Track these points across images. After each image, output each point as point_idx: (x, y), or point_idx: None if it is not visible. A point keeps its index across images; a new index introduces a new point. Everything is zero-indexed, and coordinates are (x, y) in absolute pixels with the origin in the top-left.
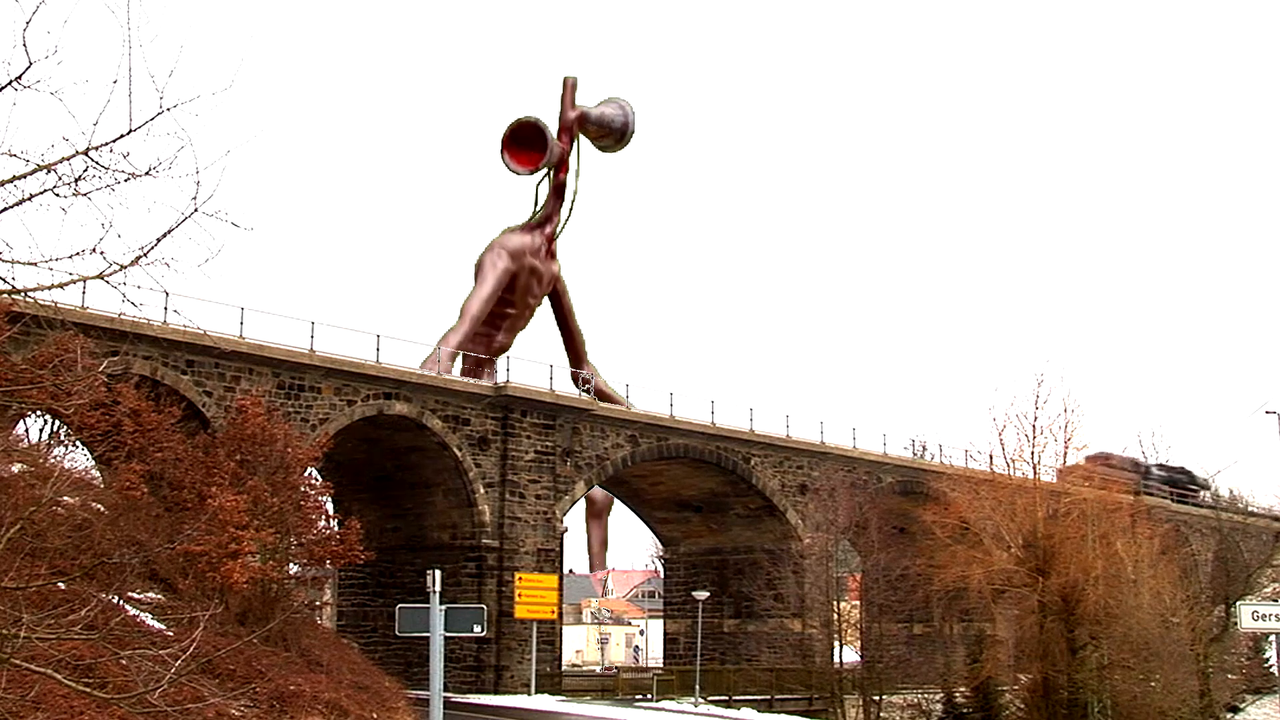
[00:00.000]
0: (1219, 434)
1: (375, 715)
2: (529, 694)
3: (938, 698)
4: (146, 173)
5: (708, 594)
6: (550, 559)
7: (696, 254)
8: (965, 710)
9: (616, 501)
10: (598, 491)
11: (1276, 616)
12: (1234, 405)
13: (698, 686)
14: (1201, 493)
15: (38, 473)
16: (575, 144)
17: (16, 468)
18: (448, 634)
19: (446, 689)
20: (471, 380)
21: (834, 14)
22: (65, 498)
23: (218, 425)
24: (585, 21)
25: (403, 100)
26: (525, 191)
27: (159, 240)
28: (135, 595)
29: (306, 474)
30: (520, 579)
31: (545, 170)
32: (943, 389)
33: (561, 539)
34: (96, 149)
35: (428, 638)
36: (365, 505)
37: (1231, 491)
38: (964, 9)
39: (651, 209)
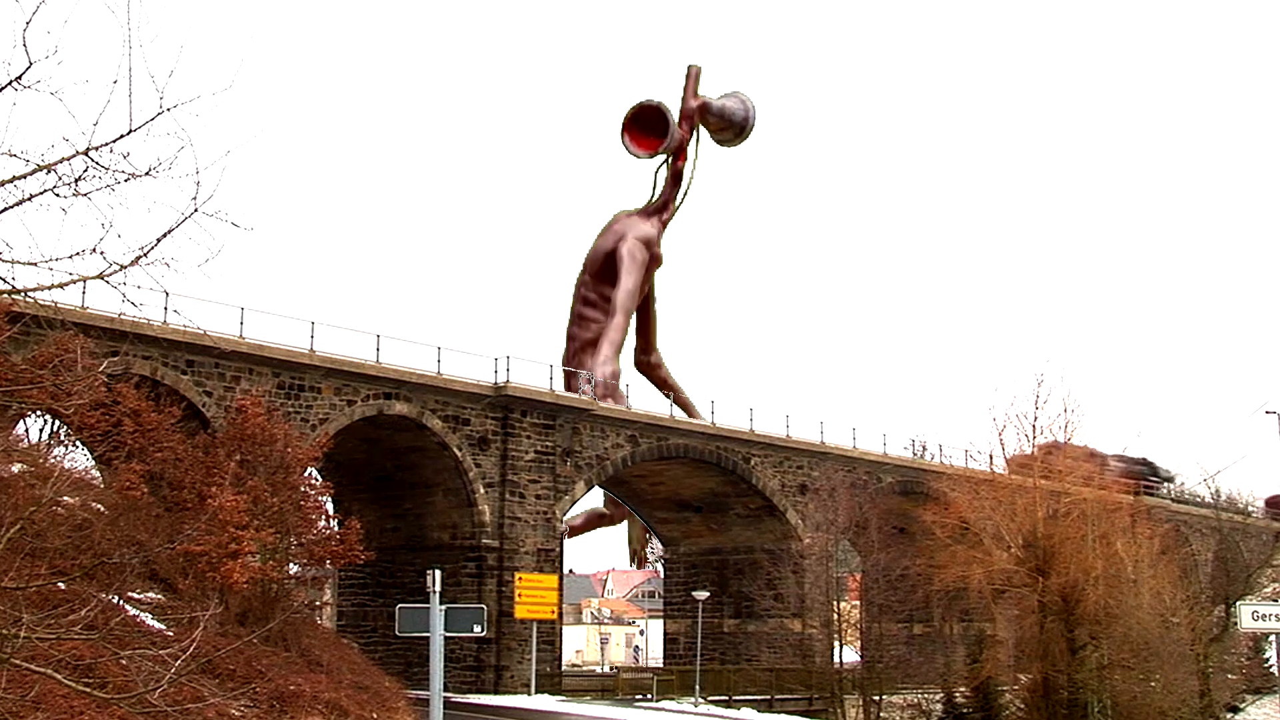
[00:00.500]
0: (1219, 434)
1: (375, 715)
2: (529, 694)
3: (938, 698)
4: (146, 173)
5: (708, 594)
6: (550, 559)
7: (694, 254)
8: (965, 710)
9: (618, 501)
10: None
11: (1276, 616)
12: (1234, 405)
13: (698, 686)
14: (1164, 486)
15: (38, 473)
16: (695, 133)
17: (16, 468)
18: (448, 634)
19: (446, 689)
20: (471, 379)
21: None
22: (65, 498)
23: (218, 425)
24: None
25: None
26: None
27: (159, 240)
28: (135, 595)
29: (306, 474)
30: (520, 579)
31: (664, 155)
32: (943, 389)
33: (561, 539)
34: (96, 149)
35: (428, 638)
36: (365, 505)
37: (1202, 486)
38: (965, 8)
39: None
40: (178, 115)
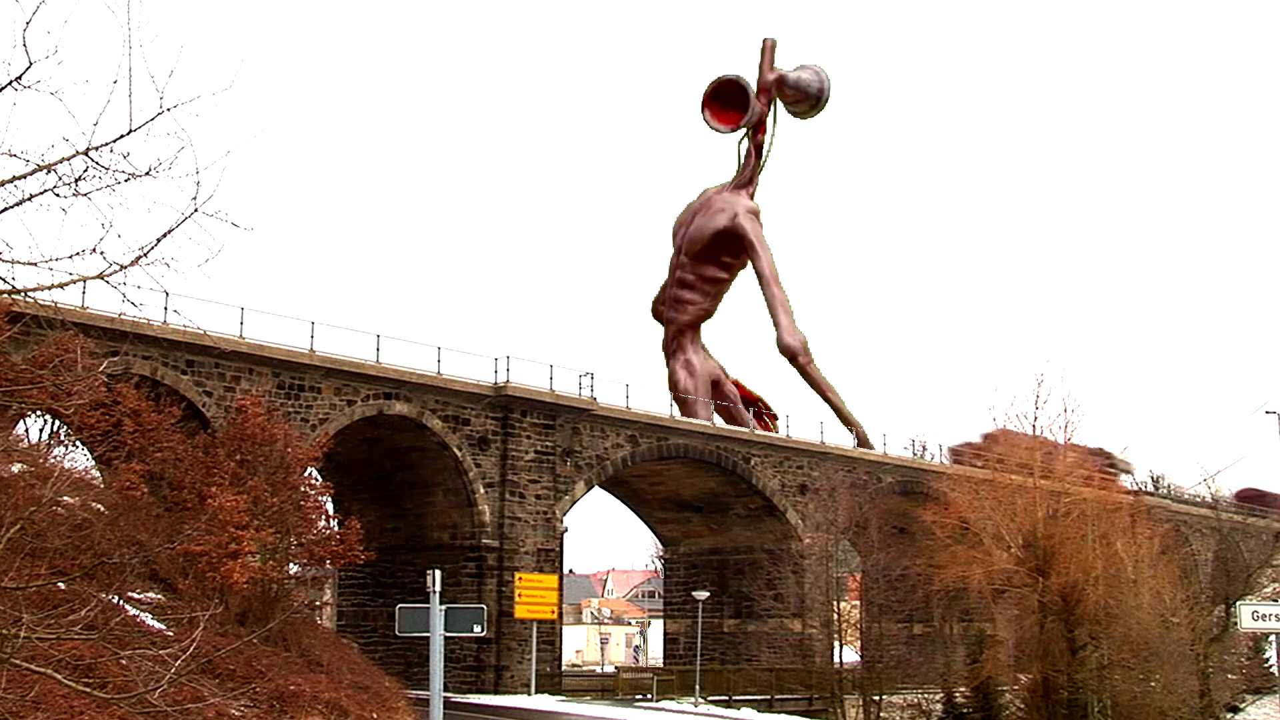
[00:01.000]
0: (1219, 434)
1: (375, 715)
2: (529, 694)
3: (938, 698)
4: (146, 173)
5: (708, 594)
6: (550, 559)
7: None
8: (965, 710)
9: (618, 501)
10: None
11: (1276, 616)
12: (1234, 405)
13: (698, 686)
14: (1121, 478)
15: (38, 473)
16: (772, 106)
17: (16, 468)
18: (448, 634)
19: (446, 689)
20: (471, 379)
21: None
22: (65, 498)
23: (218, 425)
24: None
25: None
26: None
27: (159, 240)
28: (135, 595)
29: (306, 474)
30: (520, 579)
31: (745, 129)
32: (943, 389)
33: (561, 539)
34: (96, 149)
35: (428, 638)
36: (365, 505)
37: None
38: (972, 9)
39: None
40: (178, 115)
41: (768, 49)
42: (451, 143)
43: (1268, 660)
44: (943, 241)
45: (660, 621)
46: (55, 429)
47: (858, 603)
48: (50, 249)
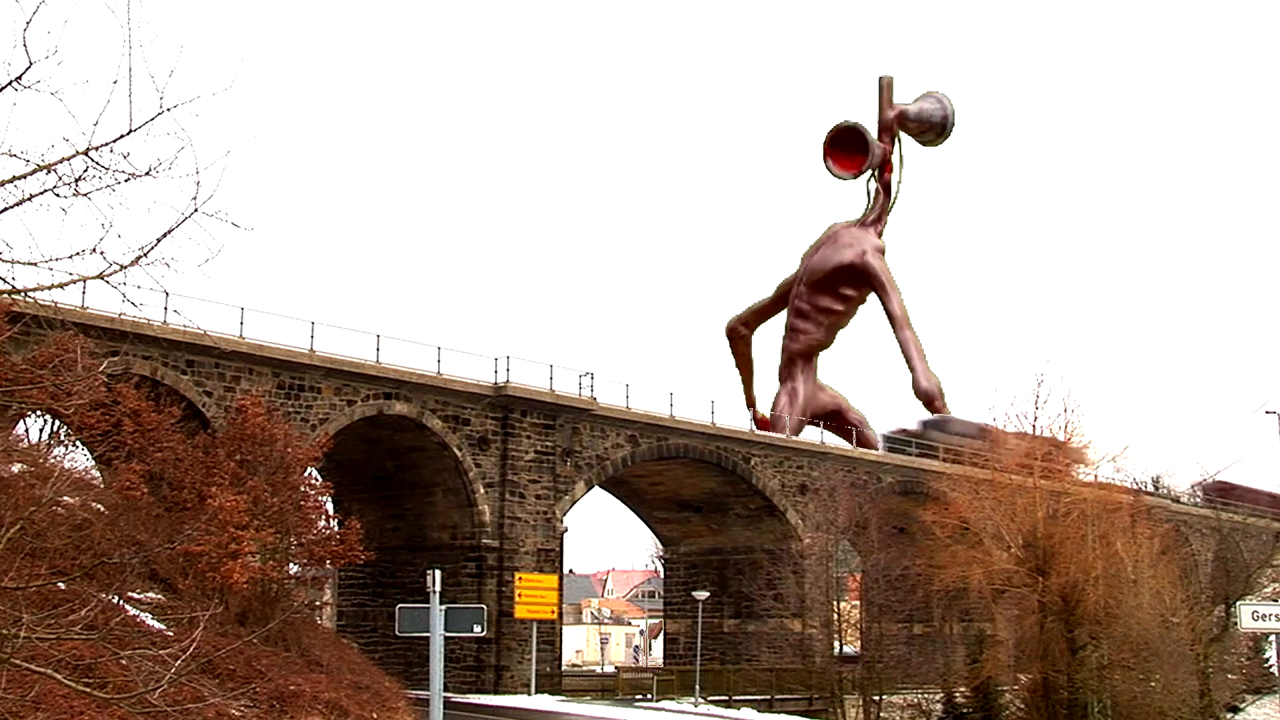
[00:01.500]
0: (1219, 434)
1: (375, 715)
2: (529, 694)
3: (938, 698)
4: (146, 173)
5: (708, 594)
6: (550, 559)
7: (689, 254)
8: (965, 710)
9: (618, 501)
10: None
11: (1276, 616)
12: (1234, 405)
13: (698, 686)
14: (1074, 468)
15: (38, 473)
16: (896, 142)
17: (16, 468)
18: (448, 634)
19: (446, 689)
20: (471, 379)
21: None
22: (65, 498)
23: (218, 425)
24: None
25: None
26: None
27: (159, 240)
28: (135, 595)
29: (306, 474)
30: (520, 579)
31: (869, 171)
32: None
33: (561, 539)
34: (96, 149)
35: (428, 638)
36: (365, 505)
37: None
38: (970, 7)
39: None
40: (178, 115)
41: (885, 86)
42: (452, 143)
43: (1268, 660)
44: (944, 242)
45: (660, 621)
46: (55, 429)
47: (858, 603)
48: (50, 249)
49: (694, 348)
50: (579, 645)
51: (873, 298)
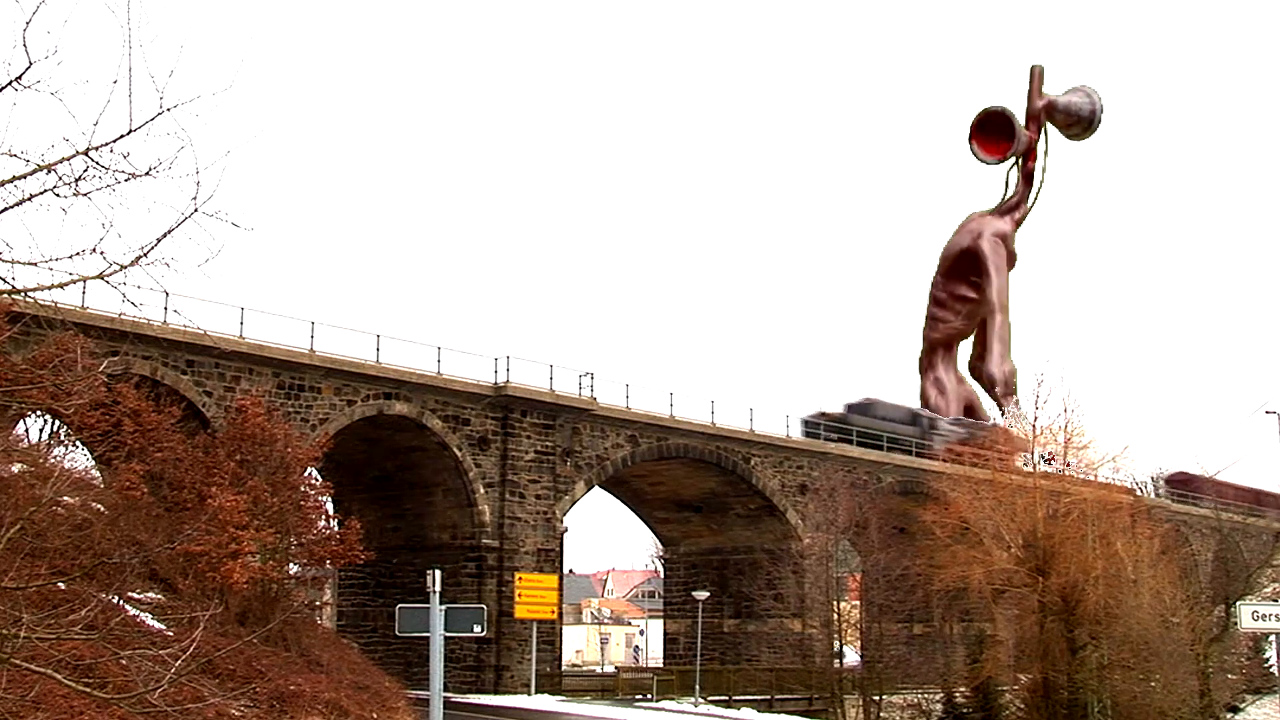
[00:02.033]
0: (1219, 434)
1: (375, 715)
2: (529, 694)
3: (938, 698)
4: (146, 173)
5: (708, 594)
6: (550, 559)
7: (690, 254)
8: (965, 710)
9: (618, 501)
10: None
11: (1276, 616)
12: (1234, 405)
13: (698, 686)
14: (1020, 455)
15: (38, 473)
16: (1043, 132)
17: (16, 468)
18: (448, 634)
19: (446, 689)
20: (471, 379)
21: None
22: (65, 498)
23: (218, 425)
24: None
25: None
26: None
27: (159, 240)
28: (135, 595)
29: (306, 474)
30: (520, 579)
31: (1013, 158)
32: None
33: (561, 539)
34: (96, 149)
35: (428, 638)
36: (365, 505)
37: None
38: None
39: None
40: (178, 115)
41: (1036, 76)
42: (451, 143)
43: (1268, 660)
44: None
45: (660, 621)
46: (55, 429)
47: (858, 603)
48: (50, 249)
49: (694, 348)
50: (579, 645)
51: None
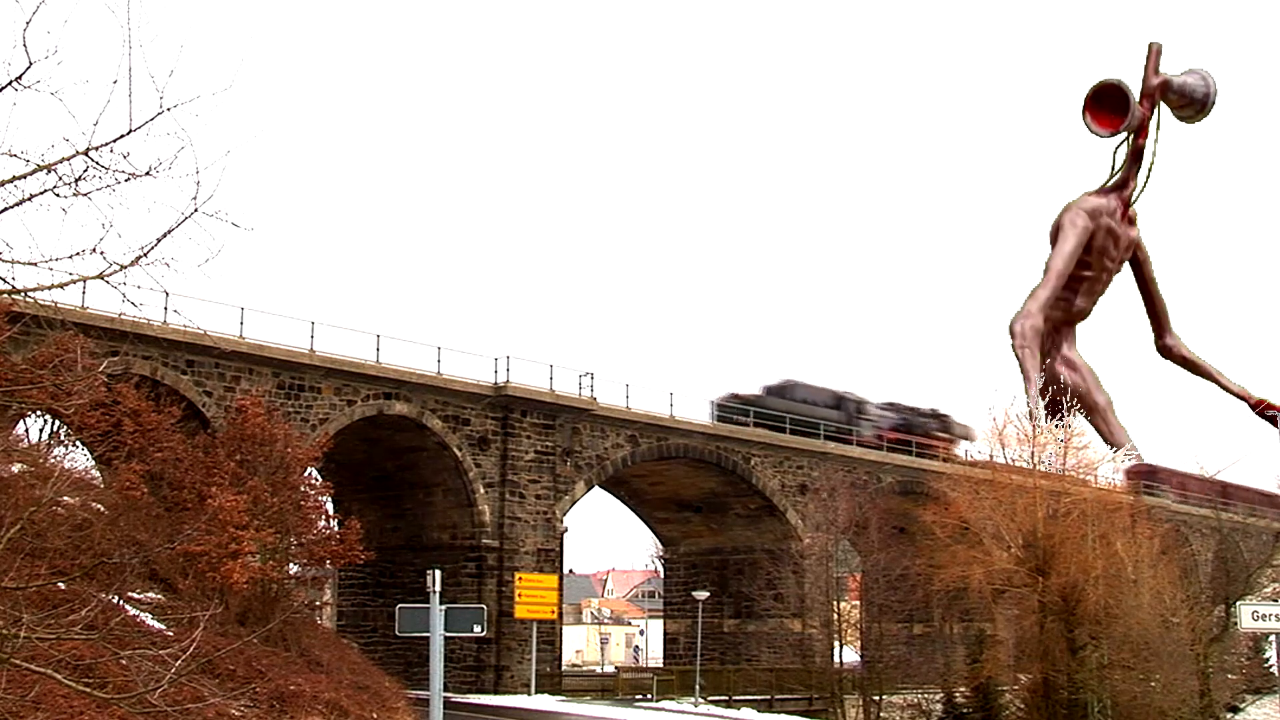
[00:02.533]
0: (1219, 434)
1: (375, 715)
2: (529, 694)
3: (938, 698)
4: (146, 173)
5: (708, 594)
6: (550, 559)
7: (689, 254)
8: (965, 710)
9: (618, 501)
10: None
11: (1276, 616)
12: (1233, 405)
13: (698, 686)
14: (960, 443)
15: (38, 473)
16: (1156, 111)
17: (16, 468)
18: (448, 634)
19: (446, 689)
20: (471, 379)
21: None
22: (65, 498)
23: (218, 425)
24: None
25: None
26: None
27: (159, 240)
28: (135, 595)
29: (306, 474)
30: (520, 579)
31: (1125, 134)
32: (943, 388)
33: (561, 539)
34: (96, 149)
35: (428, 638)
36: (365, 505)
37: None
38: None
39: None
40: (178, 115)
41: (1154, 53)
42: (451, 143)
43: (1268, 660)
44: (944, 242)
45: (660, 621)
46: (55, 429)
47: (858, 603)
48: (50, 249)
49: (694, 348)
50: (579, 645)
51: (1155, 260)
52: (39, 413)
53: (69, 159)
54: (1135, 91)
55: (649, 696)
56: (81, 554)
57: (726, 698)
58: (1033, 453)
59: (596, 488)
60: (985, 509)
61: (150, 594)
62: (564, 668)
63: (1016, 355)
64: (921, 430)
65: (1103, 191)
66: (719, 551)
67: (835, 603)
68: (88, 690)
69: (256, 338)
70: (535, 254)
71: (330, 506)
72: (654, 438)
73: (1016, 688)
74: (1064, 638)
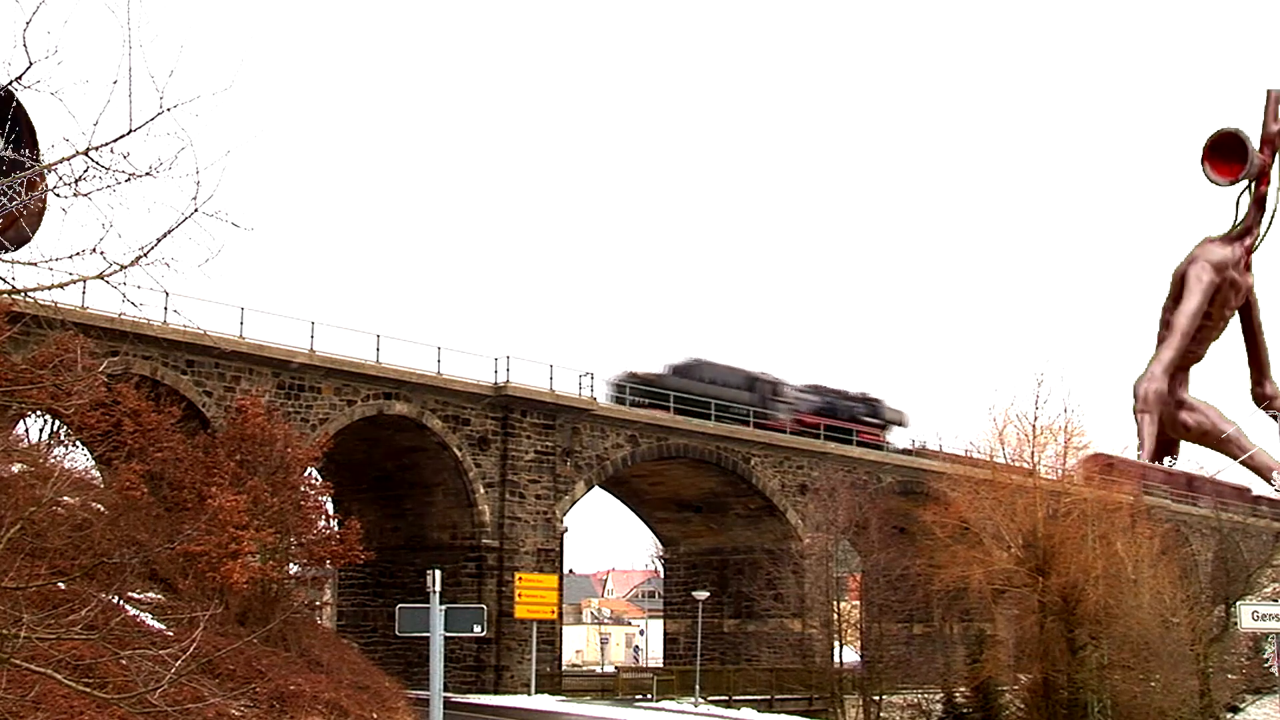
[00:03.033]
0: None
1: (375, 715)
2: (529, 694)
3: (938, 698)
4: (146, 173)
5: (708, 594)
6: (550, 559)
7: (690, 253)
8: (965, 710)
9: (618, 501)
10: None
11: (1276, 616)
12: (1233, 405)
13: (698, 686)
14: (892, 430)
15: (38, 473)
16: (1276, 156)
17: (16, 468)
18: (448, 634)
19: (446, 689)
20: (471, 379)
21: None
22: (65, 498)
23: (218, 425)
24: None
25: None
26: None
27: (159, 240)
28: (135, 595)
29: (306, 474)
30: (520, 579)
31: (1245, 182)
32: (943, 389)
33: (561, 539)
34: (96, 149)
35: (428, 638)
36: (365, 505)
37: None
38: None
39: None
40: (178, 115)
41: (1272, 100)
42: (451, 143)
43: (1268, 660)
44: (944, 242)
45: (660, 621)
46: (55, 429)
47: (858, 603)
48: (50, 249)
49: (694, 348)
50: (579, 645)
51: (1263, 305)
52: (39, 413)
53: (69, 159)
54: (1255, 140)
55: (649, 696)
56: (81, 554)
57: (726, 698)
58: (1033, 452)
59: (596, 488)
60: (985, 509)
61: (150, 594)
62: (564, 668)
63: (1136, 419)
64: (848, 415)
65: (1227, 240)
66: (719, 551)
67: (835, 603)
68: (88, 690)
69: (256, 338)
70: (535, 254)
71: (330, 506)
72: (654, 438)
73: (1016, 688)
74: (1064, 638)
